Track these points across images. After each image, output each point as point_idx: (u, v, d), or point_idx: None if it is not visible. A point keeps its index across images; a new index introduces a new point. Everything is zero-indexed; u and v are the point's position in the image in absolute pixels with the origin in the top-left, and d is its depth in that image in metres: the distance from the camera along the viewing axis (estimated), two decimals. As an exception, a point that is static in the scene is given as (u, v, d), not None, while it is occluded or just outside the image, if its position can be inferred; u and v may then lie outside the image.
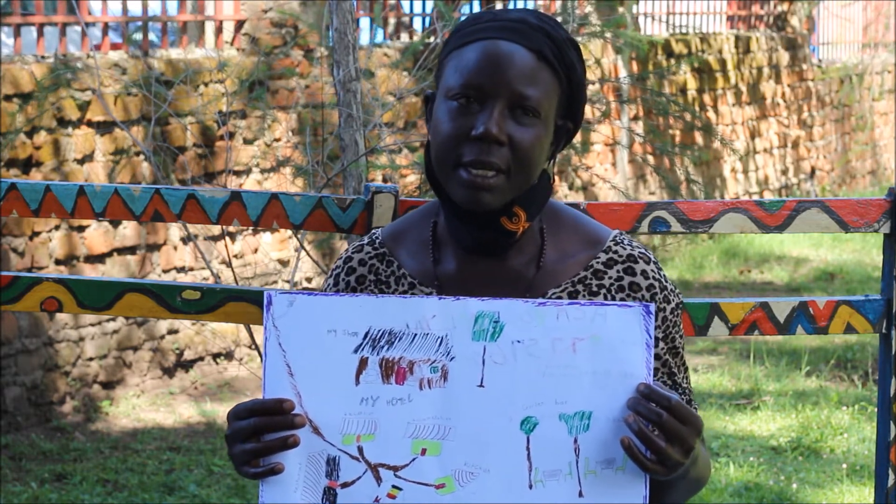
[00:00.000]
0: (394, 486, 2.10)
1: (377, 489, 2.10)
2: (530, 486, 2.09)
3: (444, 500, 2.09)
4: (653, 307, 2.10)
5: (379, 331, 2.11)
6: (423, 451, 2.10)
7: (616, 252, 2.28)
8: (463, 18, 2.30)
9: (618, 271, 2.27)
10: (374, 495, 2.10)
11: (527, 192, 2.23)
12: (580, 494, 2.09)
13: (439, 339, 2.11)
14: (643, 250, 2.30)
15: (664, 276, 2.30)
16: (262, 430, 2.10)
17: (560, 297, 2.24)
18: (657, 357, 2.28)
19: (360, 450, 2.10)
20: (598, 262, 2.28)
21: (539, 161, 2.22)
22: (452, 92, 2.20)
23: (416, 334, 2.11)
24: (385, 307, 2.12)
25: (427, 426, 2.10)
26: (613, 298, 2.26)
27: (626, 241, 2.30)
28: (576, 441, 2.09)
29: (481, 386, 2.10)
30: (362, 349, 2.11)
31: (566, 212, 2.34)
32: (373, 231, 2.39)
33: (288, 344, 2.11)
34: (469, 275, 2.27)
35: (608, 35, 6.38)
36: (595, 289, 2.26)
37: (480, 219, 2.22)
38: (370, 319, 2.11)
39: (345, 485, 2.11)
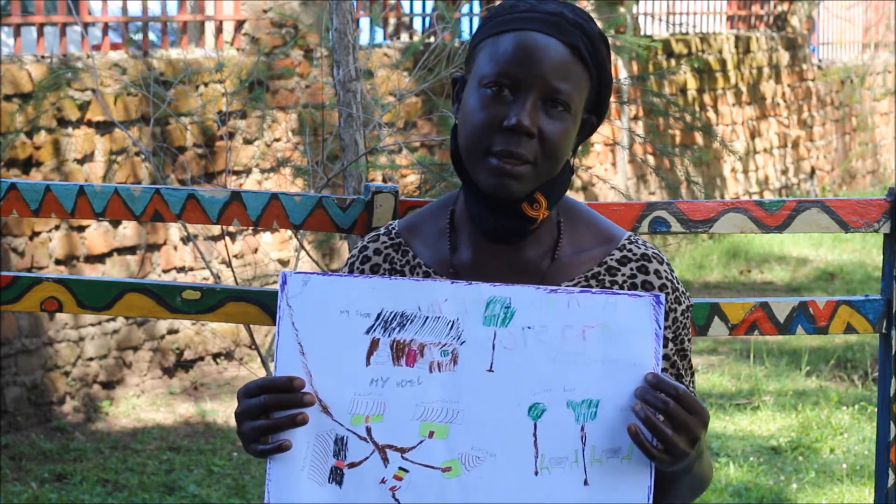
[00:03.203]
0: (400, 468, 2.11)
1: (384, 470, 2.11)
2: (536, 473, 2.10)
3: (450, 483, 2.10)
4: (663, 297, 2.12)
5: (391, 313, 2.12)
6: (431, 434, 2.10)
7: (630, 251, 2.30)
8: (498, 5, 2.31)
9: (631, 269, 2.28)
10: (380, 476, 2.11)
11: (549, 180, 2.25)
12: (585, 482, 2.09)
13: (451, 323, 2.11)
14: (657, 251, 2.31)
15: (676, 277, 2.31)
16: (272, 408, 2.11)
17: None
18: (666, 357, 2.28)
19: (369, 430, 2.11)
20: (612, 259, 2.29)
21: (565, 153, 2.24)
22: (486, 80, 2.21)
23: (427, 317, 2.12)
24: (398, 289, 2.13)
25: (435, 409, 2.10)
26: None
27: (640, 242, 2.32)
28: (583, 429, 2.09)
29: (490, 371, 2.11)
30: (374, 330, 2.12)
31: (582, 208, 2.36)
32: (389, 223, 2.41)
33: (301, 323, 2.13)
34: (485, 264, 2.28)
35: (608, 38, 6.37)
36: (608, 285, 2.27)
37: (502, 204, 2.24)
38: (383, 301, 2.12)
39: (352, 465, 2.11)
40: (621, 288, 2.27)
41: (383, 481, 2.11)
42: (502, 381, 2.10)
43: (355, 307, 2.12)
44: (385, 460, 2.11)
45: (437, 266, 2.31)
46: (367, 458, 2.11)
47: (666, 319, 2.27)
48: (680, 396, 2.07)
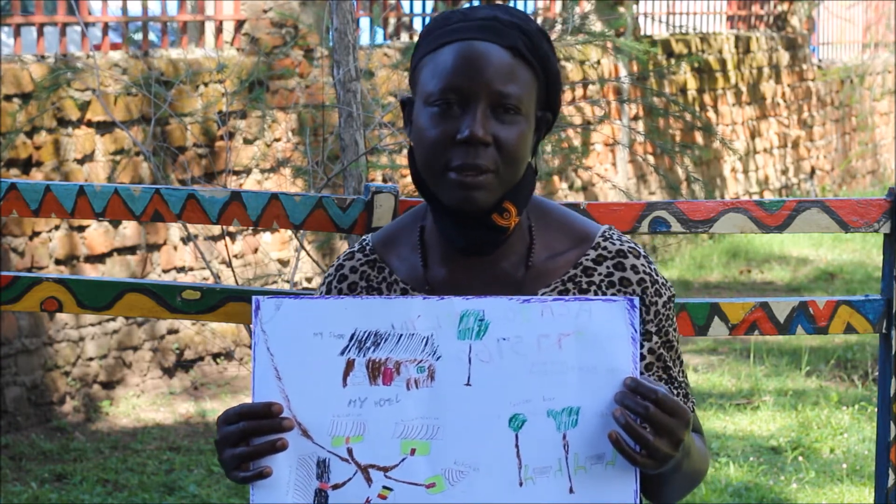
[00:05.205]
0: (384, 487, 2.11)
1: (368, 490, 2.11)
2: (520, 484, 2.09)
3: (435, 499, 2.10)
4: (637, 301, 2.10)
5: (365, 332, 2.12)
6: (413, 451, 2.10)
7: (605, 248, 2.28)
8: (431, 20, 2.28)
9: (608, 267, 2.27)
10: (364, 496, 2.10)
11: (514, 186, 2.23)
12: (571, 490, 2.09)
13: (425, 339, 2.11)
14: (633, 245, 2.29)
15: (655, 269, 2.29)
16: (251, 434, 2.10)
17: None
18: (651, 351, 2.27)
19: (350, 451, 2.11)
20: (587, 260, 2.27)
21: (525, 156, 2.22)
22: (433, 97, 2.19)
23: (401, 335, 2.11)
24: (370, 309, 2.12)
25: (416, 426, 2.10)
26: (604, 294, 2.25)
27: (615, 237, 2.29)
28: (565, 437, 2.09)
29: (468, 385, 2.10)
30: (349, 351, 2.12)
31: (553, 208, 2.34)
32: (363, 238, 2.38)
33: (276, 348, 2.12)
34: (459, 279, 2.27)
35: (609, 42, 6.38)
36: (585, 286, 2.26)
37: (471, 217, 2.22)
38: (356, 321, 2.12)
39: (335, 486, 2.11)
40: (599, 287, 2.25)
41: (368, 501, 2.10)
42: (481, 394, 2.10)
43: (329, 329, 2.12)
44: (368, 480, 2.10)
45: (413, 282, 2.29)
46: (350, 478, 2.11)
47: (647, 313, 2.26)
48: (660, 400, 2.05)
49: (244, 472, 2.11)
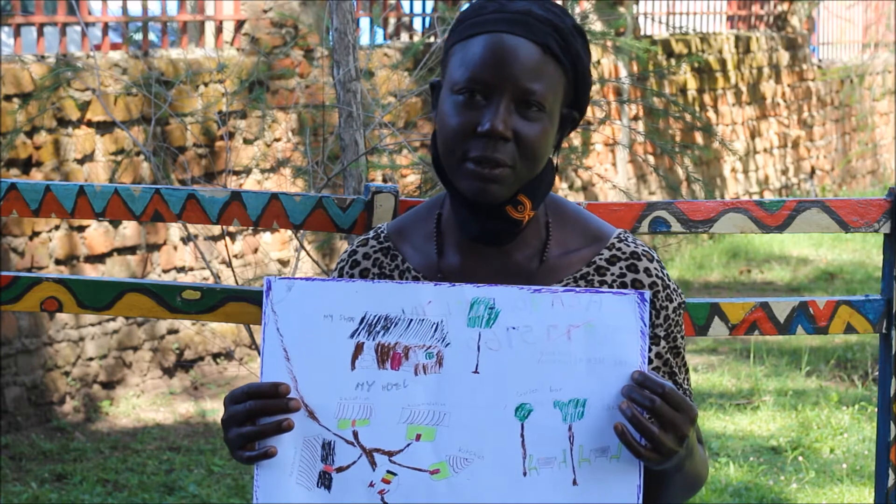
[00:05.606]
0: (388, 472, 2.11)
1: (372, 474, 2.11)
2: (524, 473, 2.10)
3: (439, 485, 2.10)
4: (648, 294, 2.11)
5: (375, 316, 2.12)
6: (418, 437, 2.11)
7: (619, 249, 2.28)
8: (467, 6, 2.28)
9: (620, 268, 2.27)
10: (368, 480, 2.11)
11: (532, 181, 2.24)
12: (574, 482, 2.09)
13: (435, 325, 2.12)
14: (647, 248, 2.29)
15: (667, 274, 2.30)
16: (258, 414, 2.11)
17: None
18: (659, 356, 2.27)
19: (356, 434, 2.11)
20: (601, 259, 2.28)
21: (545, 153, 2.23)
22: (458, 86, 2.20)
23: (411, 320, 2.12)
24: (381, 293, 2.13)
25: (422, 412, 2.11)
26: None
27: (629, 239, 2.30)
28: (570, 428, 2.09)
29: (476, 372, 2.11)
30: (358, 334, 2.12)
31: (570, 207, 2.34)
32: (378, 226, 2.40)
33: (285, 329, 2.13)
34: (473, 268, 2.28)
35: (609, 42, 6.38)
36: (597, 285, 2.26)
37: (487, 208, 2.23)
38: (366, 305, 2.13)
39: (340, 469, 2.12)
40: (611, 287, 2.25)
41: (371, 485, 2.11)
42: (488, 382, 2.10)
43: (339, 311, 2.12)
44: (373, 464, 2.11)
45: (426, 270, 2.30)
46: (354, 462, 2.11)
47: (657, 317, 2.26)
48: (666, 394, 2.06)
49: (249, 451, 2.12)
